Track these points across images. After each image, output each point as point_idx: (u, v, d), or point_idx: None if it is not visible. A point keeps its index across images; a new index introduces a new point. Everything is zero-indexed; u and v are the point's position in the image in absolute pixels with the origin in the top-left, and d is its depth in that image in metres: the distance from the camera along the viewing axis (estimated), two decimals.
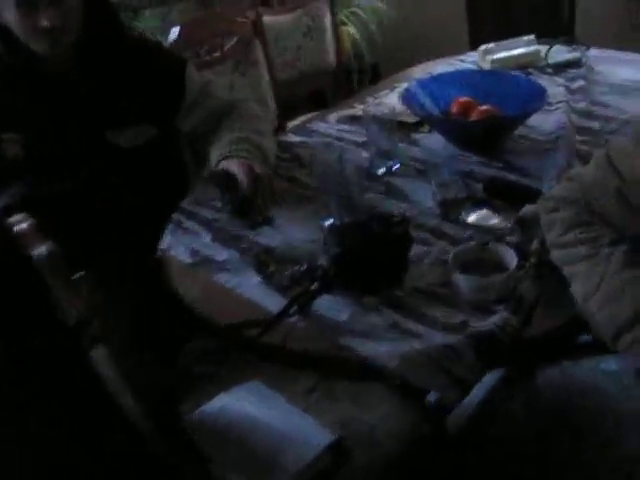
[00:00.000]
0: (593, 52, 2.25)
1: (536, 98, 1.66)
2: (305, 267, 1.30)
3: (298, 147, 1.82)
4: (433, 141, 1.77)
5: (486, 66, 2.21)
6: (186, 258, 1.43)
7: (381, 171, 1.65)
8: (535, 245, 1.29)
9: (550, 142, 1.70)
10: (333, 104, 2.94)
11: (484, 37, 2.77)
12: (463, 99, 1.75)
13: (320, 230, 1.43)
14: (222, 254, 1.43)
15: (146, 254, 1.48)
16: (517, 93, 1.72)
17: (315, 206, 1.51)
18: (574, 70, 2.15)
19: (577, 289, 1.13)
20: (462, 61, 2.36)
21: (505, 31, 2.45)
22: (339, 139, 1.86)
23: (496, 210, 1.43)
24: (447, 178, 1.52)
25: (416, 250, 1.30)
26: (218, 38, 2.31)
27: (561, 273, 1.18)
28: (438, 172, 1.56)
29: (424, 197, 1.52)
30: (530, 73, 2.17)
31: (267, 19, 2.63)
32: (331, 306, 1.23)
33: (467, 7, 2.82)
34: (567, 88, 2.01)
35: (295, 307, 1.22)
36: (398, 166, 1.66)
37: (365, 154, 1.72)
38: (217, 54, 2.28)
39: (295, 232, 1.46)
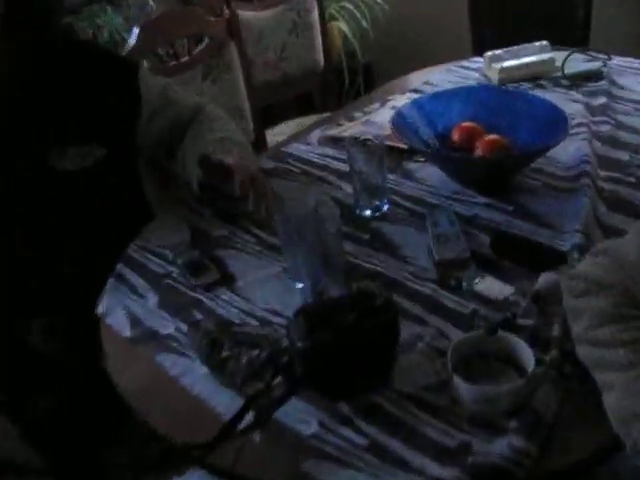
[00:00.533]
0: (615, 62, 1.97)
1: (556, 126, 1.38)
2: (266, 354, 1.04)
3: (271, 177, 1.54)
4: (430, 173, 1.49)
5: (493, 75, 1.93)
6: (125, 329, 1.16)
7: (367, 213, 1.37)
8: (556, 331, 1.02)
9: (571, 179, 1.42)
10: (322, 108, 2.68)
11: (488, 37, 2.50)
12: (466, 124, 1.47)
13: (289, 295, 1.17)
14: (168, 326, 1.15)
15: (83, 314, 1.22)
16: (532, 118, 1.44)
17: (284, 262, 1.24)
18: (594, 83, 1.87)
19: (611, 403, 0.87)
20: (465, 68, 2.07)
21: (511, 33, 2.16)
22: (320, 167, 1.58)
23: (506, 276, 1.16)
24: (447, 229, 1.25)
25: (405, 332, 1.02)
26: (186, 40, 2.02)
27: (588, 371, 0.92)
28: (436, 218, 1.29)
29: (418, 251, 1.25)
30: (542, 85, 1.89)
31: (247, 15, 2.35)
32: (295, 413, 0.96)
33: (469, 6, 2.53)
34: (587, 106, 1.73)
35: (251, 414, 0.95)
36: (388, 207, 1.38)
37: (349, 188, 1.44)
38: (185, 59, 1.99)
39: (258, 298, 1.18)
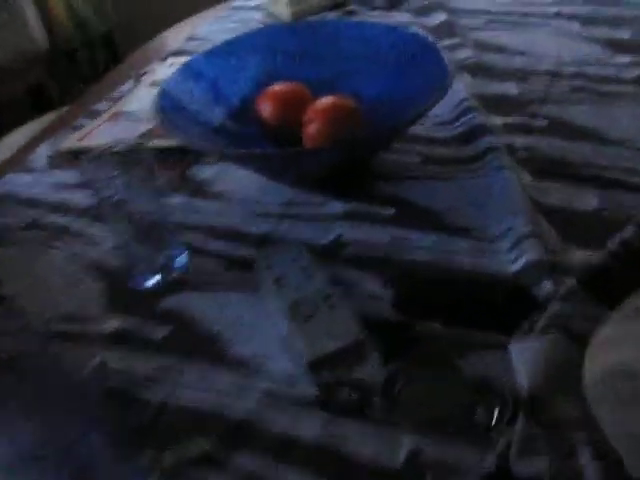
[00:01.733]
0: None
1: (420, 62, 0.85)
2: None
3: None
4: (238, 179, 0.90)
5: (282, 10, 1.37)
6: None
7: (152, 282, 0.76)
8: (584, 460, 0.50)
9: (463, 142, 0.90)
10: (61, 100, 2.02)
11: None
12: (280, 88, 0.89)
13: None
14: None
15: None
16: (376, 57, 0.90)
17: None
18: None
19: None
20: (240, 9, 1.49)
21: None
22: (58, 209, 0.92)
23: (438, 356, 0.61)
24: (304, 286, 0.68)
25: None
26: None
27: None
28: (277, 267, 0.72)
29: (264, 342, 0.67)
30: (353, 11, 1.36)
31: None
32: None
33: None
34: (428, 29, 1.22)
35: None
36: (185, 260, 0.79)
37: (111, 240, 0.83)
38: None
39: None
